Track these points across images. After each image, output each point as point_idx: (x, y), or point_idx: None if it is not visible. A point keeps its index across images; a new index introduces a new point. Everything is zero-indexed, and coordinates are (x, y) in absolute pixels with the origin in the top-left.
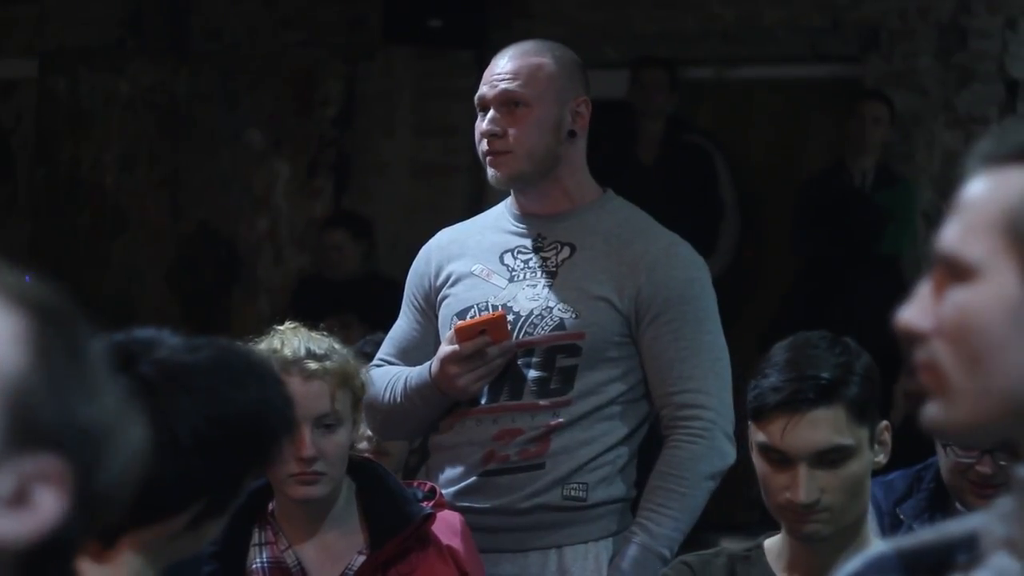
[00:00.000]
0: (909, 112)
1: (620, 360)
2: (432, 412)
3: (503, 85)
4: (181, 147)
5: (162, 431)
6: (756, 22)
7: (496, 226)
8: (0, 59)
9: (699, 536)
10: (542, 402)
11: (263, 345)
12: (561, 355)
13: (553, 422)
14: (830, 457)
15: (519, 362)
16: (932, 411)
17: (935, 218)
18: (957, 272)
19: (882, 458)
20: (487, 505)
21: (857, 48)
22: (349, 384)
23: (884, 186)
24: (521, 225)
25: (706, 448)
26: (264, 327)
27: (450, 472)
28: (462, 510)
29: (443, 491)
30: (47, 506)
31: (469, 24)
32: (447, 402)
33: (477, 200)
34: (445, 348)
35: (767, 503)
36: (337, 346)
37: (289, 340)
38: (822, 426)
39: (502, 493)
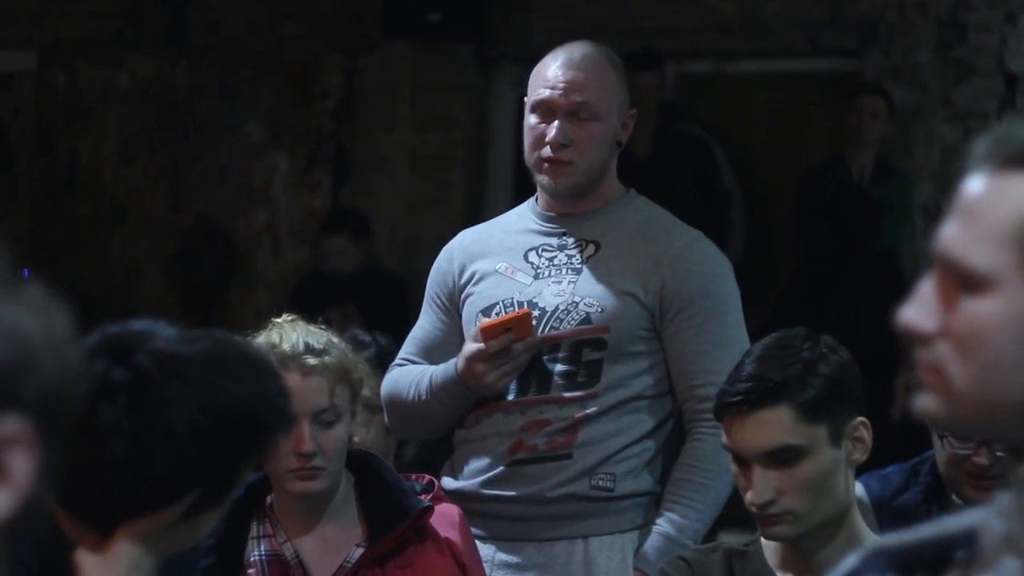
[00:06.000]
0: (908, 106)
1: (646, 354)
2: (458, 409)
3: (576, 96)
4: (180, 140)
5: (157, 421)
6: (755, 16)
7: (519, 225)
8: None
9: None
10: (569, 395)
11: (261, 339)
12: (587, 349)
13: (580, 414)
14: (781, 457)
15: (545, 357)
16: (929, 404)
17: (934, 213)
18: (967, 281)
19: (859, 456)
20: (515, 493)
21: (856, 42)
22: (347, 378)
23: (883, 180)
24: (546, 223)
25: None
26: (262, 320)
27: (477, 463)
28: (489, 499)
29: (469, 482)
30: (21, 471)
31: (468, 18)
32: (473, 399)
33: (476, 194)
34: (471, 346)
35: None
36: (335, 340)
37: (288, 334)
38: (768, 427)
39: (530, 482)
